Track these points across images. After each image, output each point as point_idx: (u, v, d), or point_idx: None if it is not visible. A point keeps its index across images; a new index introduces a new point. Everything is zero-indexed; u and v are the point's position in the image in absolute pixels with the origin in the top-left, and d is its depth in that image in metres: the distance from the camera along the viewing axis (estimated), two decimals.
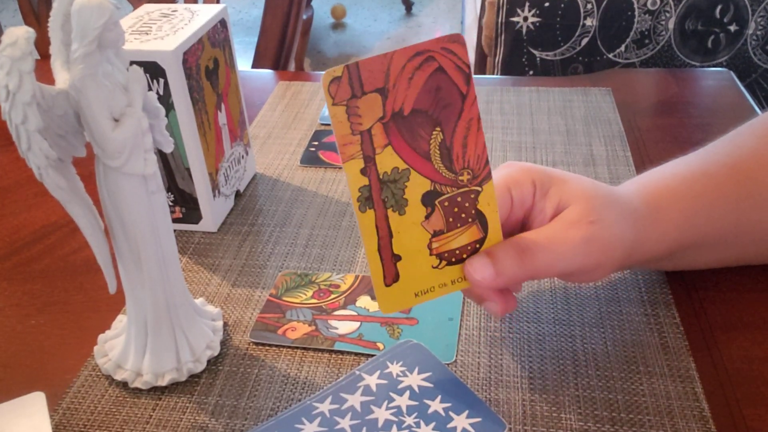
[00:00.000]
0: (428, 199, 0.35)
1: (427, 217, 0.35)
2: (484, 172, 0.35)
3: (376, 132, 0.33)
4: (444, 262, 0.36)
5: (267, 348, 0.43)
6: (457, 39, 0.32)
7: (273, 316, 0.45)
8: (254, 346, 0.43)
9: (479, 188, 0.35)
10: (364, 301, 0.46)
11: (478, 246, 0.37)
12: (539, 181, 0.39)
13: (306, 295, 0.47)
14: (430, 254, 0.36)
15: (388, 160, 0.33)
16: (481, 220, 0.36)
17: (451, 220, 0.36)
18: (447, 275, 0.37)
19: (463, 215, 0.36)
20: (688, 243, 0.42)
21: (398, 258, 0.36)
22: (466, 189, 0.35)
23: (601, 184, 0.40)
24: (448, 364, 0.41)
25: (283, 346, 0.43)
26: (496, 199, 0.36)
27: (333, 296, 0.47)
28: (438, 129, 0.34)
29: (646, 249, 0.41)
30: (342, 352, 0.42)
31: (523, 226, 0.40)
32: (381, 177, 0.34)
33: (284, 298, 0.47)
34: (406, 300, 0.37)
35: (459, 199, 0.35)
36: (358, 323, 0.44)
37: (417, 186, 0.34)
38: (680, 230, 0.41)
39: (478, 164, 0.35)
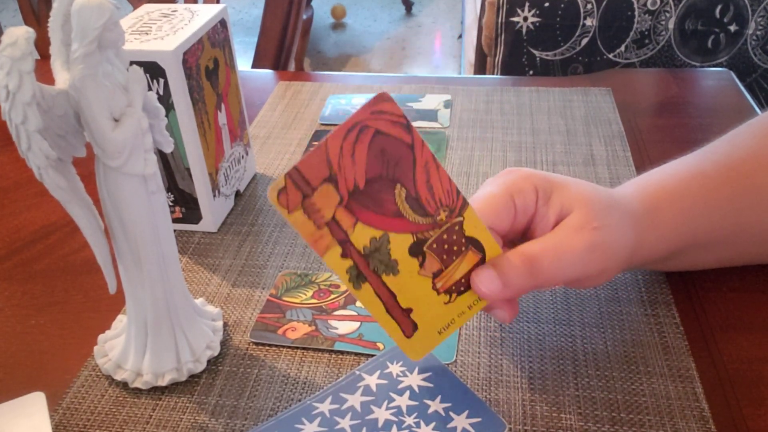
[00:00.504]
0: (416, 250, 0.34)
1: (421, 265, 0.35)
2: (459, 203, 0.35)
3: (340, 217, 0.32)
4: (454, 294, 0.36)
5: (267, 348, 0.43)
6: (382, 98, 0.32)
7: (273, 316, 0.45)
8: (254, 346, 0.43)
9: (460, 218, 0.35)
10: None
11: None
12: (541, 188, 0.38)
13: (306, 295, 0.47)
14: (438, 294, 0.36)
15: (362, 235, 0.33)
16: (474, 244, 0.36)
17: (445, 257, 0.35)
18: (462, 304, 0.37)
19: (455, 248, 0.35)
20: (687, 243, 0.42)
21: (410, 310, 0.35)
22: (448, 225, 0.35)
23: (600, 187, 0.40)
24: (448, 364, 0.41)
25: (283, 346, 0.43)
26: (479, 219, 0.36)
27: (333, 296, 0.47)
28: (399, 186, 0.33)
29: (646, 250, 0.41)
30: (342, 352, 0.42)
31: (526, 233, 0.40)
32: (362, 252, 0.33)
33: (284, 298, 0.47)
34: (431, 341, 0.37)
35: (445, 236, 0.35)
36: (358, 323, 0.44)
37: (400, 244, 0.34)
38: (679, 231, 0.41)
39: (450, 198, 0.35)
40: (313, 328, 0.44)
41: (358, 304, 0.46)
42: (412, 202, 0.34)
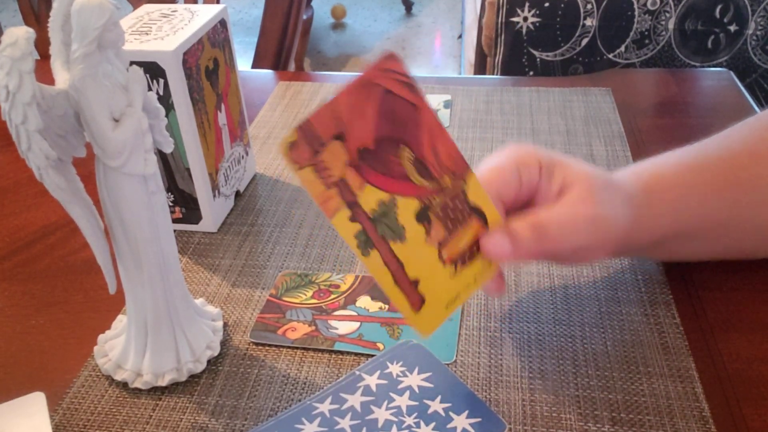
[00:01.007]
0: (422, 216, 0.35)
1: (428, 233, 0.35)
2: (462, 167, 0.35)
3: (349, 177, 0.32)
4: (459, 265, 0.37)
5: (267, 348, 0.43)
6: (391, 56, 0.32)
7: (273, 317, 0.45)
8: (254, 347, 0.43)
9: (464, 182, 0.35)
10: (364, 301, 0.46)
11: None
12: (544, 163, 0.40)
13: (306, 295, 0.47)
14: (444, 265, 0.36)
15: (371, 198, 0.33)
16: (477, 211, 0.36)
17: (450, 225, 0.36)
18: (468, 276, 0.37)
19: (460, 215, 0.36)
20: (681, 231, 0.43)
21: (417, 282, 0.35)
22: (453, 191, 0.35)
23: (598, 168, 0.41)
24: (448, 364, 0.41)
25: (283, 347, 0.43)
26: (482, 188, 0.36)
27: (333, 296, 0.47)
28: (405, 148, 0.33)
29: (641, 233, 0.42)
30: (342, 352, 0.42)
31: (528, 205, 0.41)
32: (371, 216, 0.33)
33: (284, 299, 0.47)
34: (439, 315, 0.37)
35: (449, 202, 0.35)
36: (358, 323, 0.44)
37: (407, 209, 0.34)
38: (673, 217, 0.42)
39: (454, 163, 0.35)
40: (313, 328, 0.44)
41: (359, 303, 0.46)
42: (418, 165, 0.34)
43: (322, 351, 0.42)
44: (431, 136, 0.34)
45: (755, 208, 0.43)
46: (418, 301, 0.35)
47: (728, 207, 0.43)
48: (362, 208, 0.33)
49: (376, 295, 0.46)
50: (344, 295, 0.47)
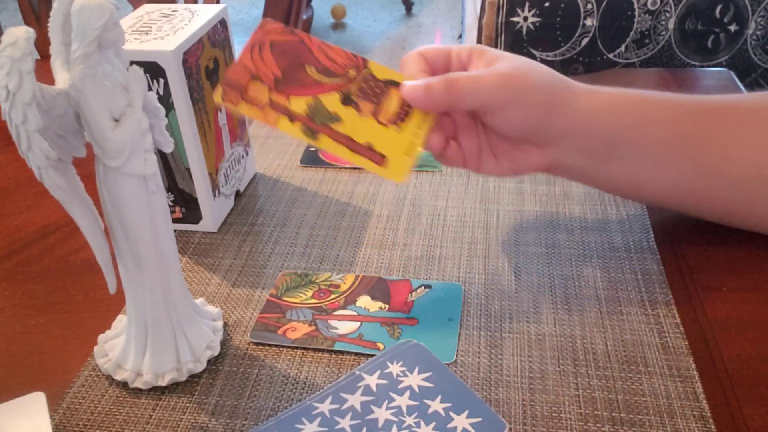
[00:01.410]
0: (347, 100, 0.43)
1: (358, 110, 0.43)
2: (360, 61, 0.45)
3: (275, 98, 0.42)
4: (400, 123, 0.43)
5: (267, 348, 0.43)
6: (266, 22, 0.45)
7: (273, 316, 0.45)
8: (254, 346, 0.43)
9: (368, 69, 0.45)
10: (364, 301, 0.46)
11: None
12: (477, 49, 0.46)
13: (306, 295, 0.47)
14: (387, 126, 0.43)
15: (298, 104, 0.42)
16: (392, 83, 0.44)
17: (373, 99, 0.44)
18: (412, 127, 0.43)
19: (377, 90, 0.44)
20: (624, 145, 0.45)
21: (370, 145, 0.42)
22: (360, 77, 0.44)
23: (545, 71, 0.45)
24: (448, 364, 0.41)
25: (283, 346, 0.43)
26: (385, 67, 0.45)
27: (333, 296, 0.47)
28: (307, 65, 0.44)
29: (572, 117, 0.45)
30: (342, 352, 0.42)
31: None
32: (306, 114, 0.42)
33: (284, 298, 0.47)
34: (404, 163, 0.42)
35: (363, 85, 0.44)
36: (358, 323, 0.44)
37: (331, 101, 0.43)
38: (615, 129, 0.45)
39: (351, 59, 0.45)
40: (313, 328, 0.44)
41: (359, 303, 0.46)
42: (322, 71, 0.44)
43: (322, 351, 0.42)
44: (323, 51, 0.45)
45: (707, 142, 0.45)
46: (379, 158, 0.42)
47: (677, 139, 0.45)
48: (296, 113, 0.42)
49: (376, 295, 0.46)
50: (344, 295, 0.47)
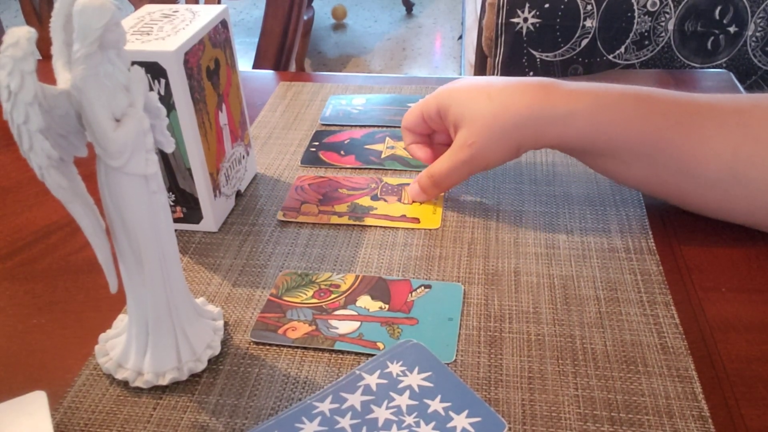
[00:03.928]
0: (375, 198, 0.57)
1: (386, 201, 0.57)
2: (376, 179, 0.59)
3: (322, 208, 0.56)
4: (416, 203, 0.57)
5: (267, 348, 0.43)
6: (299, 177, 0.60)
7: (273, 316, 0.45)
8: (255, 346, 0.43)
9: (384, 181, 0.59)
10: (365, 301, 0.46)
11: None
12: (442, 107, 0.53)
13: (306, 294, 0.47)
14: (410, 204, 0.57)
15: (341, 208, 0.56)
16: (404, 185, 0.59)
17: (394, 194, 0.58)
18: (428, 202, 0.57)
19: (395, 190, 0.58)
20: (600, 149, 0.49)
21: (404, 214, 0.55)
22: (379, 187, 0.58)
23: (501, 94, 0.50)
24: (447, 364, 0.41)
25: (284, 346, 0.43)
26: (393, 178, 0.59)
27: (333, 296, 0.47)
28: (339, 189, 0.58)
29: (545, 143, 0.50)
30: (342, 352, 0.42)
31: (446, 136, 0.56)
32: (349, 210, 0.56)
33: (285, 298, 0.47)
34: (434, 214, 0.55)
35: (383, 189, 0.58)
36: (359, 323, 0.44)
37: (365, 200, 0.57)
38: (590, 135, 0.48)
39: (370, 179, 0.59)
40: (314, 327, 0.44)
41: (359, 303, 0.46)
42: (351, 189, 0.58)
43: (323, 351, 0.43)
44: (347, 179, 0.60)
45: (683, 143, 0.46)
46: (414, 220, 0.54)
47: (656, 138, 0.47)
48: (341, 212, 0.55)
49: (377, 294, 0.47)
50: (344, 294, 0.47)
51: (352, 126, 0.68)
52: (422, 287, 0.47)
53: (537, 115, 0.48)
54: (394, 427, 0.37)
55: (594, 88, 0.49)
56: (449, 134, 0.54)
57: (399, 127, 0.68)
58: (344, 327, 0.44)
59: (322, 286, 0.48)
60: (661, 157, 0.47)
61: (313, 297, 0.47)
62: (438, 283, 0.48)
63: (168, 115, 0.38)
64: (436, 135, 0.58)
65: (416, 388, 0.39)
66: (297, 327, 0.44)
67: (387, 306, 0.46)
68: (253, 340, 0.43)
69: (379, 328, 0.44)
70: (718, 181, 0.46)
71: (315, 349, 0.43)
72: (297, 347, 0.43)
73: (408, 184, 0.58)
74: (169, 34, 0.47)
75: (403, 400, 0.38)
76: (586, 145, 0.49)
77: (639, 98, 0.48)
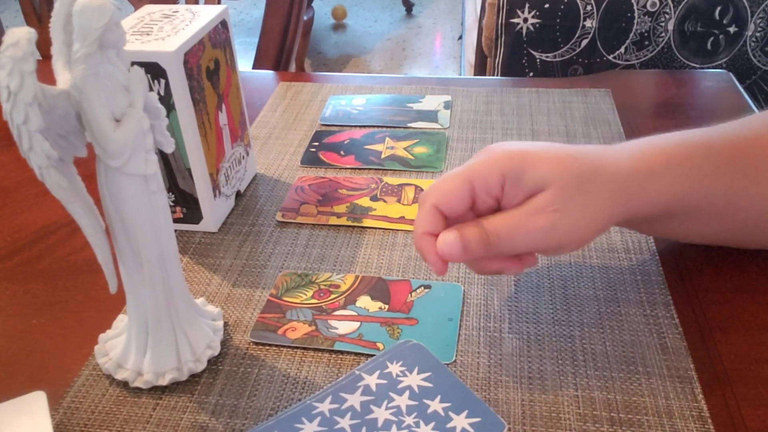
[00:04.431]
0: (375, 198, 0.57)
1: (385, 202, 0.57)
2: (376, 179, 0.59)
3: (321, 209, 0.55)
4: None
5: (267, 348, 0.43)
6: (300, 178, 0.59)
7: (273, 316, 0.45)
8: (254, 346, 0.43)
9: (384, 181, 0.59)
10: (364, 301, 0.46)
11: None
12: (510, 173, 0.40)
13: (306, 295, 0.47)
14: (410, 205, 0.56)
15: (340, 208, 0.56)
16: (404, 185, 0.58)
17: (394, 195, 0.57)
18: None
19: (395, 190, 0.58)
20: (676, 209, 0.43)
21: (403, 216, 0.54)
22: (379, 187, 0.58)
23: (586, 155, 0.41)
24: (447, 365, 0.41)
25: (283, 346, 0.43)
26: (393, 178, 0.58)
27: (333, 296, 0.47)
28: (339, 189, 0.58)
29: (632, 212, 0.42)
30: (342, 352, 0.42)
31: (498, 209, 0.42)
32: (348, 211, 0.54)
33: (284, 298, 0.47)
34: None
35: (383, 190, 0.58)
36: (358, 323, 0.44)
37: (364, 201, 0.56)
38: (669, 197, 0.42)
39: (369, 180, 0.58)
40: (313, 328, 0.44)
41: (359, 303, 0.46)
42: (351, 189, 0.58)
43: (322, 351, 0.43)
44: (347, 180, 0.59)
45: (754, 196, 0.43)
46: (412, 222, 0.52)
47: (729, 193, 0.43)
48: (339, 213, 0.55)
49: (376, 295, 0.47)
50: (344, 295, 0.47)
51: (352, 126, 0.68)
52: (422, 287, 0.47)
53: (627, 176, 0.41)
54: (394, 427, 0.37)
55: (654, 143, 0.43)
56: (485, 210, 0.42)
57: (399, 127, 0.68)
58: (344, 327, 0.44)
59: (322, 287, 0.48)
60: (734, 211, 0.44)
61: (312, 297, 0.47)
62: (438, 283, 0.48)
63: (168, 116, 0.38)
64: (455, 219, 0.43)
65: (416, 389, 0.39)
66: (297, 327, 0.44)
67: (387, 306, 0.46)
68: (253, 340, 0.43)
69: (379, 328, 0.44)
70: None
71: (315, 350, 0.43)
72: (296, 347, 0.43)
73: (408, 185, 0.58)
74: (169, 35, 0.47)
75: (403, 401, 0.38)
76: (666, 208, 0.42)
77: (707, 148, 0.43)
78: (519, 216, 0.39)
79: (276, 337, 0.43)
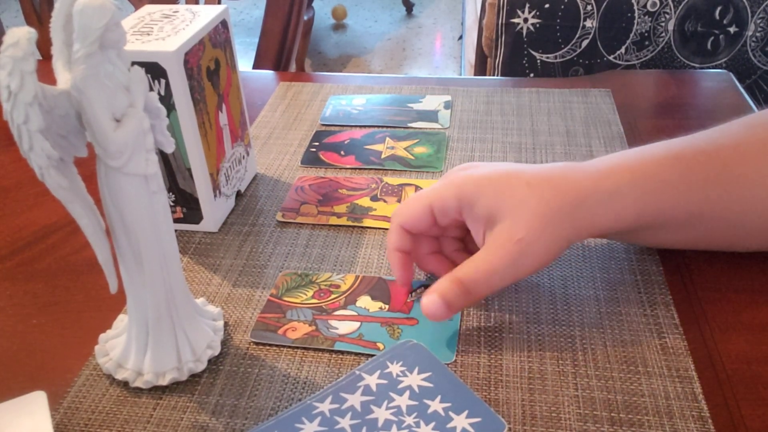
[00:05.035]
0: (375, 198, 0.57)
1: (385, 202, 0.56)
2: (376, 179, 0.58)
3: (321, 209, 0.56)
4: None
5: (267, 348, 0.43)
6: (300, 177, 0.60)
7: (273, 316, 0.45)
8: (255, 346, 0.43)
9: (384, 181, 0.59)
10: (365, 301, 0.46)
11: None
12: (465, 199, 0.42)
13: (306, 295, 0.47)
14: None
15: (340, 208, 0.56)
16: (405, 185, 0.58)
17: (394, 194, 0.57)
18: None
19: (395, 190, 0.58)
20: (648, 223, 0.43)
21: None
22: (379, 187, 0.58)
23: (544, 179, 0.42)
24: (448, 364, 0.41)
25: (284, 346, 0.43)
26: (393, 178, 0.59)
27: (333, 296, 0.47)
28: (339, 189, 0.58)
29: (597, 228, 0.43)
30: (342, 353, 0.42)
31: (465, 242, 0.47)
32: (348, 211, 0.55)
33: (285, 298, 0.47)
34: None
35: (384, 190, 0.58)
36: (359, 323, 0.44)
37: (364, 201, 0.56)
38: (638, 211, 0.43)
39: (370, 180, 0.58)
40: (314, 328, 0.44)
41: (359, 303, 0.46)
42: (351, 189, 0.58)
43: (322, 351, 0.43)
44: (348, 180, 0.59)
45: (730, 204, 0.43)
46: None
47: (701, 202, 0.43)
48: (339, 213, 0.55)
49: (377, 295, 0.47)
50: (344, 295, 0.47)
51: (352, 126, 0.68)
52: (422, 288, 0.47)
53: (589, 200, 0.42)
54: (394, 427, 0.37)
55: (623, 158, 0.44)
56: (452, 238, 0.47)
57: (399, 127, 0.68)
58: (344, 327, 0.44)
59: (322, 287, 0.48)
60: (708, 220, 0.44)
61: (313, 297, 0.47)
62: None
63: (168, 116, 0.38)
64: (424, 243, 0.47)
65: (416, 389, 0.39)
66: (297, 327, 0.44)
67: (387, 306, 0.46)
68: (253, 340, 0.43)
69: (379, 328, 0.44)
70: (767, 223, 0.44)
71: (315, 350, 0.43)
72: (297, 347, 0.43)
73: (408, 185, 0.58)
74: (170, 35, 0.47)
75: (403, 401, 0.38)
76: (633, 223, 0.43)
77: (675, 159, 0.43)
78: (485, 257, 0.41)
79: (276, 337, 0.43)
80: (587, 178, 0.42)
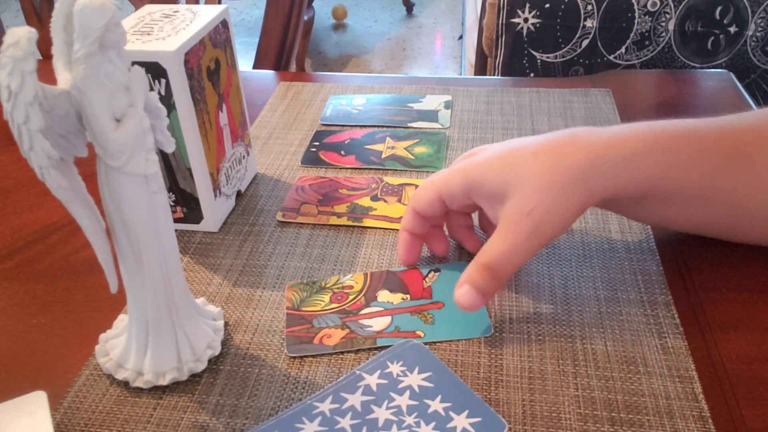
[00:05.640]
0: (375, 198, 0.57)
1: (386, 202, 0.57)
2: (377, 178, 0.59)
3: (321, 209, 0.56)
4: None
5: (267, 348, 0.43)
6: (300, 177, 0.60)
7: (301, 328, 0.44)
8: (255, 346, 0.43)
9: (384, 181, 0.59)
10: (385, 296, 0.46)
11: None
12: (473, 184, 0.44)
13: (324, 301, 0.46)
14: None
15: (341, 208, 0.56)
16: (405, 185, 0.58)
17: (395, 194, 0.57)
18: None
19: (396, 190, 0.58)
20: (660, 192, 0.43)
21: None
22: (380, 187, 0.58)
23: (548, 145, 0.43)
24: (448, 365, 0.41)
25: (325, 355, 0.42)
26: (393, 177, 0.59)
27: (352, 297, 0.46)
28: (340, 189, 0.58)
29: (610, 191, 0.43)
30: (342, 353, 0.42)
31: (487, 223, 0.50)
32: (348, 211, 0.55)
33: (304, 309, 0.46)
34: None
35: (384, 189, 0.58)
36: (389, 317, 0.44)
37: (364, 201, 0.56)
38: (651, 177, 0.42)
39: (370, 179, 0.58)
40: (348, 331, 0.43)
41: (380, 299, 0.46)
42: (351, 189, 0.58)
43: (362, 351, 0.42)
44: (348, 180, 0.59)
45: (740, 184, 0.43)
46: None
47: (713, 179, 0.43)
48: (340, 213, 0.55)
49: (394, 287, 0.47)
50: (362, 293, 0.47)
51: (352, 126, 0.68)
52: (432, 272, 0.48)
53: (600, 162, 0.42)
54: (395, 427, 0.37)
55: (637, 127, 0.44)
56: (463, 218, 0.49)
57: (399, 127, 0.68)
58: (378, 324, 0.44)
59: (335, 290, 0.47)
60: (716, 199, 0.44)
61: (332, 302, 0.46)
62: (445, 265, 0.48)
63: (168, 115, 0.38)
64: (455, 217, 0.49)
65: (416, 389, 0.39)
66: (331, 334, 0.43)
67: (408, 296, 0.46)
68: (292, 355, 0.42)
69: (411, 317, 0.44)
70: None
71: (357, 351, 0.42)
72: (339, 353, 0.42)
73: (409, 184, 0.58)
74: (170, 34, 0.47)
75: (404, 401, 0.38)
76: (646, 191, 0.43)
77: (692, 133, 0.44)
78: (504, 237, 0.41)
79: (315, 347, 0.42)
80: (599, 142, 0.43)
